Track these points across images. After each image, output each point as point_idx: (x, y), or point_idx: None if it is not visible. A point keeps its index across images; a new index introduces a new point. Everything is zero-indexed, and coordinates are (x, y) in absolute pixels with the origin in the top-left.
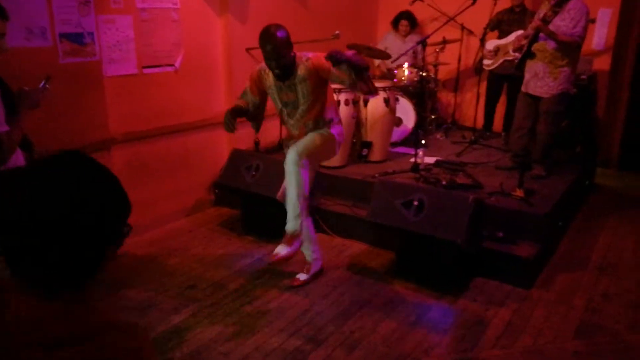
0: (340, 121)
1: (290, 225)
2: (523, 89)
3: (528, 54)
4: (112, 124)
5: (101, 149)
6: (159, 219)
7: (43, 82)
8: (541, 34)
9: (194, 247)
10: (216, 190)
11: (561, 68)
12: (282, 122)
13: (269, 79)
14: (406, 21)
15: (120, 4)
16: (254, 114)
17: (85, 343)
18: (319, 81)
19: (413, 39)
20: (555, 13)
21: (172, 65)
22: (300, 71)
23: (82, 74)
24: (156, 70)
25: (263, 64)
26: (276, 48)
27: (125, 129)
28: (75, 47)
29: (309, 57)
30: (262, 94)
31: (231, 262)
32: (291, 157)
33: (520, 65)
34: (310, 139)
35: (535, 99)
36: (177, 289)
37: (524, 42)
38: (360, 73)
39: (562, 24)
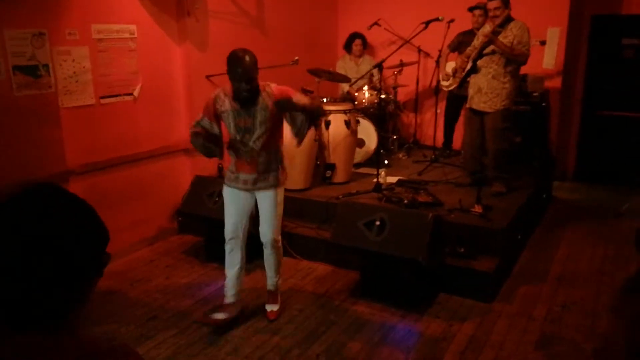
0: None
1: (271, 282)
2: (468, 104)
3: (472, 70)
4: (69, 155)
5: (58, 182)
6: (121, 250)
7: None
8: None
9: (157, 277)
10: (179, 218)
11: (504, 85)
12: (234, 152)
13: (225, 104)
14: (359, 40)
15: (76, 35)
16: (215, 140)
17: None
18: (278, 112)
19: (366, 60)
20: (498, 33)
21: (130, 94)
22: (262, 98)
23: (37, 107)
24: (114, 99)
25: (218, 90)
26: (246, 70)
27: (84, 160)
28: (30, 80)
29: (272, 87)
30: (218, 120)
31: (194, 291)
32: (268, 244)
33: (463, 82)
34: (273, 214)
35: (480, 115)
36: (138, 321)
37: (467, 62)
38: (316, 120)
39: (505, 41)
